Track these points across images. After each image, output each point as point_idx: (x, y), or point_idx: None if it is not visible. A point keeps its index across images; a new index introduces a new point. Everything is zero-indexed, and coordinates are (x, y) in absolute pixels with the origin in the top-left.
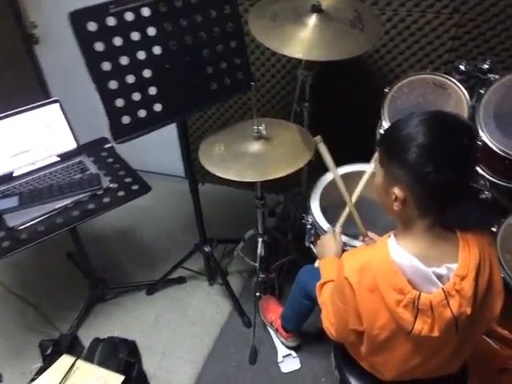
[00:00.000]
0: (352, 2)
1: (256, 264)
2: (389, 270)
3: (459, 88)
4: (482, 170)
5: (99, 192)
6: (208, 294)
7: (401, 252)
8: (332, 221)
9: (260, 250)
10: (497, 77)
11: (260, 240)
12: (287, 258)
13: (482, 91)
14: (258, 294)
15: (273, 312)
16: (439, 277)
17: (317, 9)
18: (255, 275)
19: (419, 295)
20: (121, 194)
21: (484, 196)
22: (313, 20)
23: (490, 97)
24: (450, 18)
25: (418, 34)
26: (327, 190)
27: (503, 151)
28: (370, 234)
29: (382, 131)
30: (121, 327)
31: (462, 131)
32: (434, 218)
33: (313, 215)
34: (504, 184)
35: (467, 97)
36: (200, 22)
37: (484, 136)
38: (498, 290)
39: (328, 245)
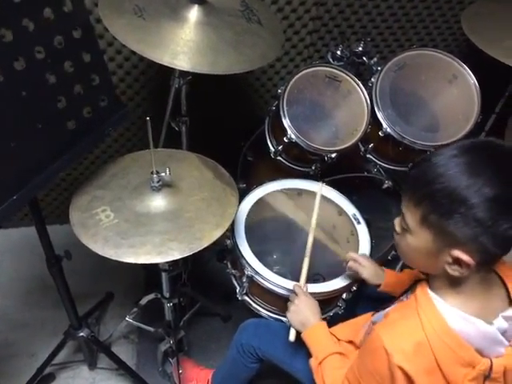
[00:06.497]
0: None
1: (159, 330)
2: (452, 343)
3: (353, 80)
4: (374, 157)
5: None
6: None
7: (461, 317)
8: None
9: (168, 315)
10: (374, 59)
11: (168, 305)
12: (195, 307)
13: (373, 80)
14: (171, 360)
15: (196, 379)
16: (503, 332)
17: None
18: (157, 341)
19: (491, 364)
20: None
21: (386, 186)
22: (194, 13)
23: (382, 85)
24: None
25: (279, 16)
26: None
27: (408, 140)
28: (351, 255)
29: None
30: None
31: None
32: (492, 266)
33: (249, 264)
34: (394, 168)
35: (362, 88)
36: (33, 32)
37: (389, 129)
38: None
39: (305, 308)
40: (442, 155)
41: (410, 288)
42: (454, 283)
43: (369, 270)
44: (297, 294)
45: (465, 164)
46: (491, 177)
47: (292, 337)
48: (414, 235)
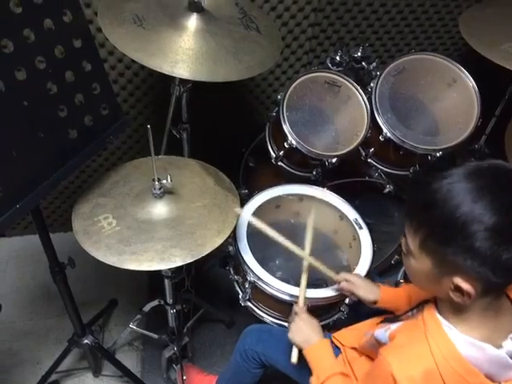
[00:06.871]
0: None
1: (163, 337)
2: (461, 369)
3: (352, 85)
4: (375, 162)
5: None
6: None
7: (469, 342)
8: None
9: (172, 322)
10: (374, 64)
11: (172, 312)
12: (199, 313)
13: (372, 84)
14: (175, 366)
15: None
16: None
17: (197, 7)
18: (161, 348)
19: None
20: None
21: (387, 190)
22: (193, 22)
23: (382, 90)
24: (308, 3)
25: (278, 22)
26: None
27: (409, 144)
28: (342, 276)
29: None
30: None
31: None
32: (499, 292)
33: (251, 270)
34: (395, 172)
35: (362, 93)
36: (34, 43)
37: (389, 133)
38: None
39: (307, 327)
40: (443, 180)
41: (417, 306)
42: (460, 309)
43: (363, 288)
44: (297, 315)
45: (465, 190)
46: (491, 204)
47: (294, 358)
48: (416, 259)
